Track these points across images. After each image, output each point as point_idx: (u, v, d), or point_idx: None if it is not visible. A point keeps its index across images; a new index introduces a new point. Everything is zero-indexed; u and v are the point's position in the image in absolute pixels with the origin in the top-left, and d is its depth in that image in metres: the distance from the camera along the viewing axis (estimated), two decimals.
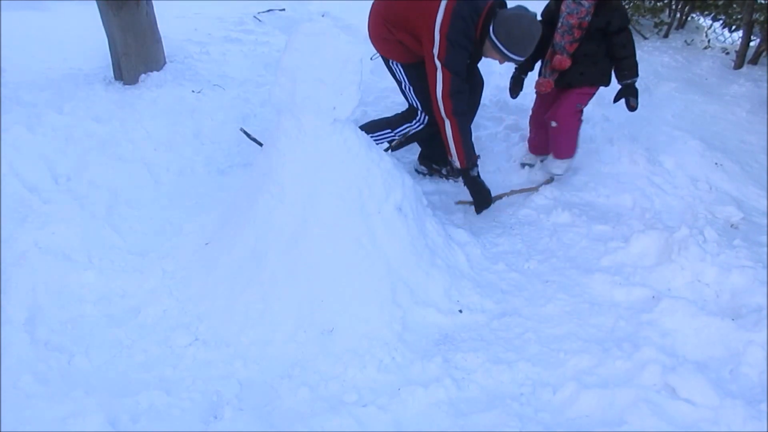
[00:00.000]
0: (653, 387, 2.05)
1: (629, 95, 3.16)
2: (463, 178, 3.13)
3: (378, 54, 3.23)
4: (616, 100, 3.21)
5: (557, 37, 3.12)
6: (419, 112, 3.24)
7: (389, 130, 3.34)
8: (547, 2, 3.25)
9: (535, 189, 3.38)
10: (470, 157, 3.01)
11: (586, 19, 3.01)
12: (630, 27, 3.13)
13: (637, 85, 3.19)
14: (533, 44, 2.86)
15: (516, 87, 3.39)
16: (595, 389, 2.07)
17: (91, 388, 2.07)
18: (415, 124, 3.30)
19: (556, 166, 3.40)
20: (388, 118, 3.42)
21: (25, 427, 1.91)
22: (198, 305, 2.42)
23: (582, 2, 2.99)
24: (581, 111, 3.28)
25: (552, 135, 3.36)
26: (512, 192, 3.40)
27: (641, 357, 2.17)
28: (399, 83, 3.22)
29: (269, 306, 2.35)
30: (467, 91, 2.98)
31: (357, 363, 2.21)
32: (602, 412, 2.01)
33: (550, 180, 3.46)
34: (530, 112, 3.55)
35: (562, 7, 3.06)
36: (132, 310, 2.43)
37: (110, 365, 2.20)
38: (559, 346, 2.32)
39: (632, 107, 3.18)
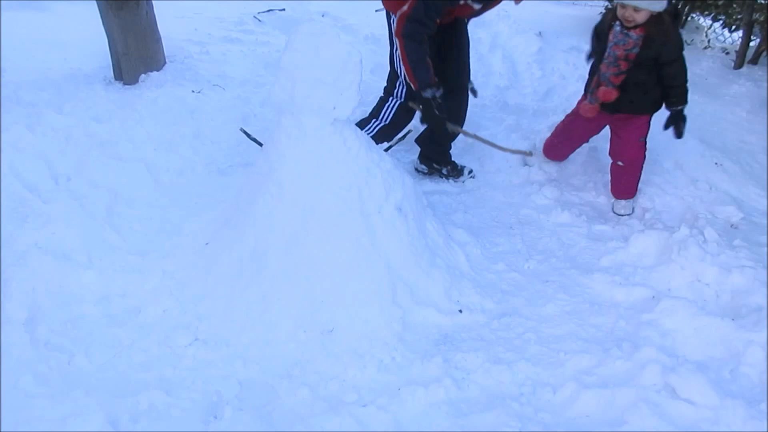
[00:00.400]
0: (653, 387, 2.05)
1: (678, 121, 3.02)
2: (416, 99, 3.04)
3: (383, 8, 3.21)
4: (666, 127, 3.05)
5: (603, 68, 2.97)
6: (398, 83, 3.22)
7: (374, 120, 3.34)
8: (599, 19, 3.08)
9: (508, 150, 3.34)
10: (422, 80, 2.90)
11: (634, 51, 2.85)
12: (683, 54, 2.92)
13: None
14: None
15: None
16: (595, 389, 2.07)
17: (91, 388, 2.07)
18: (391, 101, 3.28)
19: (621, 206, 3.21)
20: (370, 111, 3.42)
21: (25, 427, 1.91)
22: (198, 305, 2.42)
23: (630, 33, 2.82)
24: (645, 142, 3.16)
25: (615, 173, 3.22)
26: (477, 137, 3.21)
27: (641, 357, 2.17)
28: (391, 45, 3.20)
29: (269, 306, 2.35)
30: (430, 28, 2.86)
31: (357, 363, 2.21)
32: (602, 412, 2.01)
33: (529, 153, 3.46)
34: (563, 120, 3.38)
35: (610, 36, 2.90)
36: (132, 310, 2.43)
37: (110, 365, 2.19)
38: (559, 346, 2.32)
39: (680, 133, 3.04)
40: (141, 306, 2.44)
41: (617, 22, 2.86)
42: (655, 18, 2.78)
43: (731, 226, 3.01)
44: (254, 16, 5.72)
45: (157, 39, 4.15)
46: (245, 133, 3.20)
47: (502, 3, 3.14)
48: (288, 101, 2.38)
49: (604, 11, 2.99)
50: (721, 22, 5.93)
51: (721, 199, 3.23)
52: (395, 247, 2.48)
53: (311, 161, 2.40)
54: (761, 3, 5.08)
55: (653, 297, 2.52)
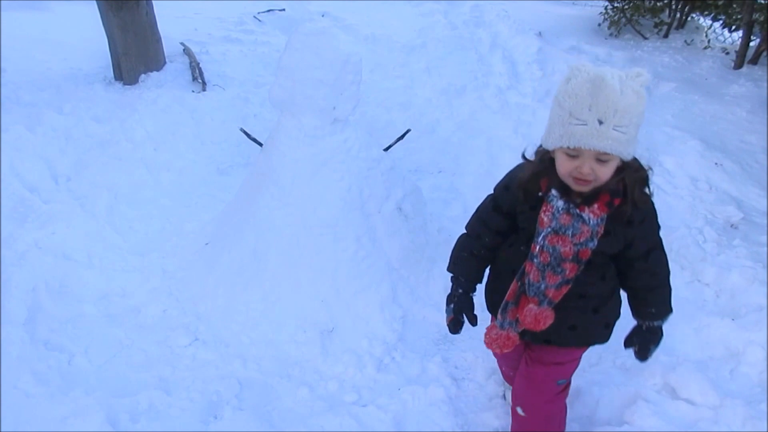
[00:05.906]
0: (653, 387, 2.05)
1: (650, 341, 1.72)
2: None
3: None
4: (629, 344, 1.74)
5: (533, 275, 1.61)
6: None
7: None
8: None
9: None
10: None
11: (590, 245, 1.55)
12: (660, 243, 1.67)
13: None
14: None
15: (456, 326, 1.86)
16: (595, 389, 2.07)
17: (91, 388, 2.07)
18: None
19: None
20: None
21: (25, 427, 1.91)
22: (198, 305, 2.42)
23: (585, 217, 1.52)
24: (567, 387, 1.85)
25: (516, 425, 1.89)
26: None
27: None
28: None
29: (269, 306, 2.35)
30: None
31: (357, 363, 2.21)
32: (602, 412, 2.01)
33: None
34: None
35: (543, 218, 1.56)
36: (132, 310, 2.43)
37: (110, 365, 2.20)
38: None
39: (645, 357, 1.72)
40: (141, 306, 2.44)
41: (554, 192, 1.54)
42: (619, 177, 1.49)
43: (731, 226, 3.01)
44: (254, 16, 5.73)
45: (157, 39, 4.15)
46: (245, 133, 3.20)
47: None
48: (288, 101, 2.38)
49: (542, 139, 1.52)
50: (721, 22, 5.93)
51: (721, 199, 3.23)
52: (396, 247, 2.48)
53: (311, 161, 2.40)
54: (761, 3, 5.08)
55: None
